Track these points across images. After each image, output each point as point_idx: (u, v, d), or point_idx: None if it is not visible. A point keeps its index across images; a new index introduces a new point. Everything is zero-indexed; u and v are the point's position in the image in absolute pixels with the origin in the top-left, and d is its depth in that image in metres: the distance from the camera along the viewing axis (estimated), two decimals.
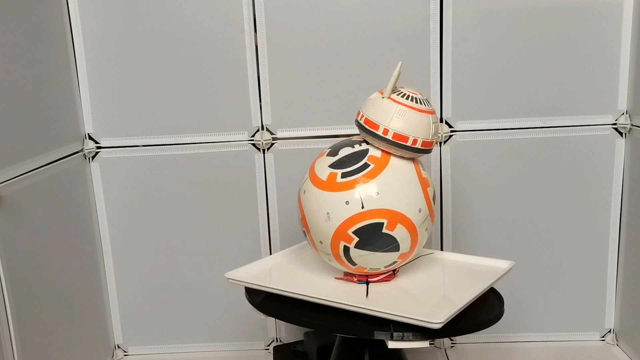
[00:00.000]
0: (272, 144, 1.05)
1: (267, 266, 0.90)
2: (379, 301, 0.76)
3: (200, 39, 1.02)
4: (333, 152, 0.79)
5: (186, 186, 1.07)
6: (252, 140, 1.05)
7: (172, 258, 1.10)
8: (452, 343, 1.11)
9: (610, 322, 1.10)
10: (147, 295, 1.12)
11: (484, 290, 0.76)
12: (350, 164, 0.77)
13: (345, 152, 0.78)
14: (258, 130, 1.05)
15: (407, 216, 0.75)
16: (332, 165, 0.78)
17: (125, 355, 1.15)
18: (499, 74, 1.01)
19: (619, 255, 1.07)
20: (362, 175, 0.75)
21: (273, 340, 1.14)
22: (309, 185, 0.79)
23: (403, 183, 0.76)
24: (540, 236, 1.07)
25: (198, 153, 1.06)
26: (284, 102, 1.03)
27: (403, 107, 0.76)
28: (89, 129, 1.06)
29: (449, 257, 0.89)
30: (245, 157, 1.06)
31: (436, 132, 0.78)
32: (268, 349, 1.13)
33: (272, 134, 1.05)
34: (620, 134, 1.02)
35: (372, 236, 0.75)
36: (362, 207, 0.74)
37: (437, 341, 1.11)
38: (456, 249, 1.08)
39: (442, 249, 1.08)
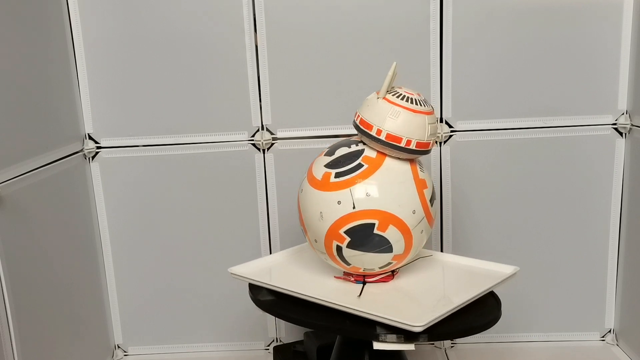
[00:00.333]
0: (272, 144, 1.05)
1: (271, 263, 0.90)
2: (370, 302, 0.76)
3: (200, 39, 1.02)
4: (330, 152, 0.80)
5: (186, 186, 1.07)
6: (252, 140, 1.05)
7: (172, 258, 1.10)
8: (452, 343, 1.11)
9: (610, 322, 1.10)
10: (147, 295, 1.12)
11: (480, 294, 0.75)
12: (345, 164, 0.77)
13: (341, 152, 0.79)
14: (258, 130, 1.05)
15: (400, 217, 0.75)
16: (328, 165, 0.78)
17: (125, 355, 1.15)
18: (499, 74, 1.01)
19: (619, 255, 1.07)
20: (355, 176, 0.76)
21: (273, 340, 1.14)
22: (305, 184, 0.80)
23: (396, 184, 0.75)
24: (540, 236, 1.07)
25: (198, 153, 1.06)
26: (284, 102, 1.04)
27: (397, 108, 0.75)
28: (89, 129, 1.06)
29: (451, 259, 0.88)
30: (245, 157, 1.06)
31: (433, 133, 0.77)
32: (268, 349, 1.13)
33: (272, 134, 1.05)
34: (620, 134, 1.02)
35: (364, 237, 0.75)
36: (354, 208, 0.75)
37: (438, 341, 1.12)
38: (456, 249, 1.08)
39: (442, 250, 1.08)
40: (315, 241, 0.79)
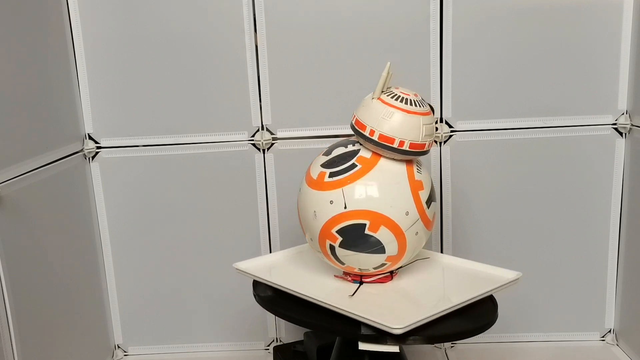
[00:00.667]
0: (272, 144, 1.05)
1: (276, 260, 0.91)
2: (361, 302, 0.76)
3: (200, 39, 1.02)
4: (328, 151, 0.81)
5: (186, 186, 1.07)
6: (252, 140, 1.05)
7: (172, 258, 1.10)
8: (452, 343, 1.11)
9: (610, 322, 1.10)
10: (147, 295, 1.12)
11: (477, 298, 0.74)
12: (339, 164, 0.77)
13: (337, 152, 0.79)
14: (258, 130, 1.05)
15: (392, 219, 0.74)
16: (324, 165, 0.79)
17: (125, 355, 1.15)
18: (499, 74, 1.01)
19: (619, 255, 1.07)
20: (348, 176, 0.76)
21: (273, 340, 1.14)
22: (303, 182, 0.81)
23: (389, 185, 0.75)
24: (540, 236, 1.07)
25: (198, 153, 1.06)
26: (284, 102, 1.03)
27: (391, 109, 0.75)
28: (89, 129, 1.06)
29: (453, 262, 0.87)
30: (245, 157, 1.06)
31: (429, 134, 0.76)
32: (268, 349, 1.13)
33: (272, 134, 1.05)
34: (620, 134, 1.02)
35: (355, 237, 0.75)
36: (345, 207, 0.75)
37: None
38: (456, 249, 1.08)
39: (442, 250, 1.08)
40: (311, 240, 0.80)
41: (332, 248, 0.77)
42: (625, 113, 1.02)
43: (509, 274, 0.80)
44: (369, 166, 0.76)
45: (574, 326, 1.10)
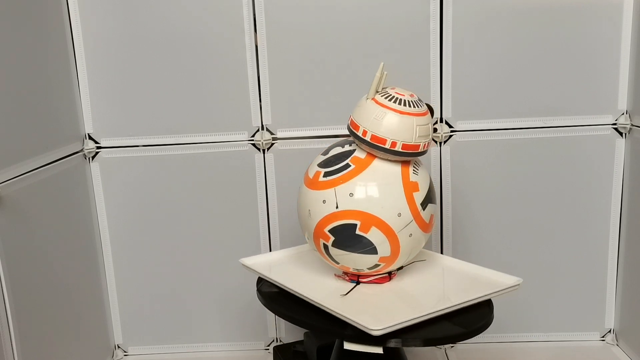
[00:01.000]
0: (272, 144, 1.05)
1: (281, 258, 0.92)
2: (353, 302, 0.76)
3: (200, 39, 1.02)
4: (326, 151, 0.81)
5: (186, 186, 1.07)
6: (252, 140, 1.05)
7: (172, 258, 1.10)
8: (451, 343, 1.11)
9: (610, 322, 1.10)
10: (147, 295, 1.12)
11: (471, 302, 0.74)
12: (334, 164, 0.78)
13: (334, 151, 0.80)
14: (258, 130, 1.05)
15: (383, 219, 0.74)
16: (320, 164, 0.79)
17: (125, 355, 1.15)
18: (499, 74, 1.01)
19: (619, 255, 1.07)
20: (341, 176, 0.76)
21: (273, 340, 1.14)
22: (302, 181, 0.81)
23: (381, 186, 0.75)
24: (540, 236, 1.07)
25: (198, 153, 1.06)
26: (284, 102, 1.03)
27: (383, 109, 0.75)
28: (89, 129, 1.06)
29: (454, 264, 0.86)
30: (245, 157, 1.06)
31: (424, 135, 0.75)
32: (268, 349, 1.13)
33: (272, 134, 1.05)
34: (620, 134, 1.02)
35: (347, 237, 0.75)
36: (337, 207, 0.75)
37: None
38: (456, 249, 1.08)
39: (442, 250, 1.08)
40: (308, 238, 0.81)
41: (325, 247, 0.78)
42: (625, 113, 1.02)
43: (508, 280, 0.79)
44: (362, 166, 0.76)
45: (574, 326, 1.10)
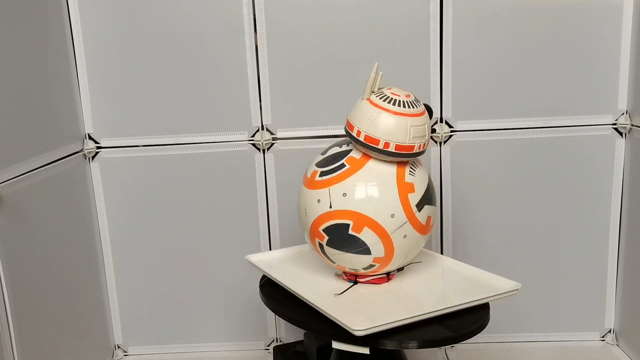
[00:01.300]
0: (272, 144, 1.05)
1: (287, 255, 0.92)
2: (346, 301, 0.76)
3: (200, 39, 1.02)
4: (325, 151, 0.81)
5: (186, 186, 1.07)
6: (252, 140, 1.05)
7: (172, 258, 1.10)
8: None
9: (610, 322, 1.10)
10: (147, 295, 1.12)
11: (467, 305, 0.73)
12: (330, 164, 0.78)
13: (331, 151, 0.80)
14: (258, 130, 1.05)
15: (375, 220, 0.74)
16: (317, 164, 0.80)
17: (125, 355, 1.15)
18: (499, 74, 1.01)
19: (619, 255, 1.07)
20: (335, 176, 0.76)
21: (273, 340, 1.14)
22: (301, 181, 0.82)
23: (374, 186, 0.75)
24: (540, 236, 1.07)
25: (198, 153, 1.06)
26: (284, 102, 1.03)
27: (377, 109, 0.75)
28: (89, 129, 1.06)
29: (454, 266, 0.86)
30: (245, 157, 1.06)
31: (419, 136, 0.75)
32: (268, 349, 1.13)
33: (272, 134, 1.05)
34: (620, 134, 1.02)
35: (340, 236, 0.76)
36: (330, 207, 0.75)
37: None
38: (456, 248, 1.08)
39: (442, 250, 1.08)
40: (306, 237, 0.81)
41: (321, 246, 0.79)
42: (625, 113, 1.02)
43: (507, 284, 0.77)
44: (357, 167, 0.76)
45: (574, 326, 1.10)
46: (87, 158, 1.06)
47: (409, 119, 0.74)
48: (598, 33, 0.99)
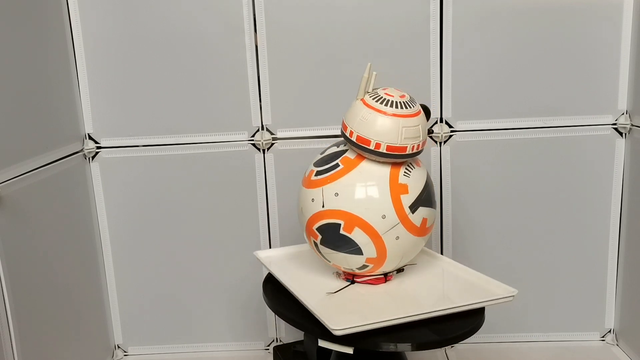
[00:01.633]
0: (272, 144, 1.05)
1: (293, 253, 0.93)
2: (337, 300, 0.76)
3: (200, 39, 1.02)
4: (323, 150, 0.82)
5: (186, 186, 1.07)
6: (252, 140, 1.05)
7: (172, 258, 1.10)
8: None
9: (610, 322, 1.10)
10: (147, 295, 1.12)
11: (460, 309, 0.73)
12: (326, 163, 0.78)
13: (329, 151, 0.80)
14: (258, 130, 1.05)
15: (366, 221, 0.74)
16: (315, 163, 0.80)
17: (125, 355, 1.15)
18: (499, 74, 1.01)
19: (619, 255, 1.07)
20: (329, 175, 0.76)
21: (273, 340, 1.14)
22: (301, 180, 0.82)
23: (366, 187, 0.75)
24: (540, 236, 1.07)
25: (198, 153, 1.06)
26: (284, 102, 1.03)
27: (369, 110, 0.75)
28: (89, 129, 1.06)
29: (453, 268, 0.85)
30: (245, 157, 1.06)
31: (411, 137, 0.74)
32: (268, 349, 1.13)
33: (272, 134, 1.05)
34: (620, 134, 1.02)
35: (332, 236, 0.76)
36: (323, 206, 0.76)
37: None
38: (456, 248, 1.08)
39: (442, 250, 1.08)
40: (304, 236, 0.82)
41: (316, 245, 0.79)
42: (625, 113, 1.02)
43: (504, 290, 0.76)
44: (350, 167, 0.76)
45: (574, 326, 1.10)
46: (87, 158, 1.06)
47: (400, 119, 0.74)
48: (598, 33, 0.99)
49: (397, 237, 0.75)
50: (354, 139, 0.75)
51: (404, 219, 0.75)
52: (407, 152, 0.75)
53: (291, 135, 1.05)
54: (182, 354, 1.14)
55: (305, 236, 0.81)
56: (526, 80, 1.01)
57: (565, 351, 1.08)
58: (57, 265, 0.94)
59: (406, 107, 0.75)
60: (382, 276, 0.81)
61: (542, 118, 1.02)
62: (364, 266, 0.78)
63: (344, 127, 0.77)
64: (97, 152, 1.06)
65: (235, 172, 1.06)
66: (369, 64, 0.76)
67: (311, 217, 0.78)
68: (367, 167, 0.76)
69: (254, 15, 1.01)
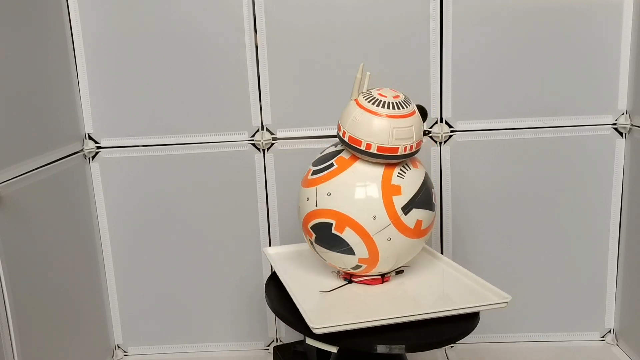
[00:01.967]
0: (272, 144, 1.05)
1: (302, 250, 0.94)
2: (330, 299, 0.77)
3: (200, 39, 1.02)
4: (323, 150, 0.83)
5: (186, 186, 1.07)
6: (252, 140, 1.05)
7: (172, 258, 1.10)
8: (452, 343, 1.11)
9: (610, 322, 1.10)
10: (147, 295, 1.12)
11: (452, 313, 0.72)
12: (322, 163, 0.79)
13: (327, 151, 0.81)
14: (258, 130, 1.05)
15: (357, 221, 0.74)
16: (313, 162, 0.81)
17: (125, 355, 1.15)
18: (499, 74, 1.01)
19: (619, 255, 1.07)
20: (323, 175, 0.77)
21: (273, 340, 1.14)
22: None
23: (357, 187, 0.75)
24: (540, 236, 1.07)
25: (198, 153, 1.06)
26: (284, 102, 1.03)
27: (361, 110, 0.75)
28: (89, 129, 1.06)
29: (452, 270, 0.85)
30: (245, 157, 1.06)
31: (403, 138, 0.74)
32: (268, 349, 1.13)
33: (272, 134, 1.05)
34: (620, 134, 1.02)
35: (325, 235, 0.77)
36: (316, 205, 0.76)
37: None
38: (455, 248, 1.08)
39: (442, 249, 1.08)
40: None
41: (312, 243, 0.80)
42: (625, 113, 1.02)
43: (497, 297, 0.75)
44: (344, 167, 0.76)
45: (574, 326, 1.10)
46: (87, 158, 1.06)
47: (390, 120, 0.73)
48: (598, 33, 0.99)
49: (389, 239, 0.75)
50: (346, 139, 0.76)
51: (395, 221, 0.75)
52: (398, 153, 0.74)
53: (291, 135, 1.05)
54: (182, 354, 1.14)
55: (303, 235, 0.82)
56: (526, 80, 1.01)
57: (565, 351, 1.08)
58: (57, 265, 0.94)
59: (399, 108, 0.74)
60: (379, 277, 0.81)
61: (542, 118, 1.02)
62: (358, 266, 0.78)
63: (339, 127, 0.78)
64: (97, 152, 1.06)
65: (235, 172, 1.06)
66: (361, 64, 0.77)
67: (306, 215, 0.78)
68: (360, 168, 0.76)
69: (254, 15, 1.01)
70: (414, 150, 0.75)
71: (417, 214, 0.76)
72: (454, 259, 1.00)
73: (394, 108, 0.74)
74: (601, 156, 1.03)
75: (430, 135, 1.03)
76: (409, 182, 0.76)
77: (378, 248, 0.75)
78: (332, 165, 0.77)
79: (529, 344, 1.11)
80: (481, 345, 1.11)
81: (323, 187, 0.76)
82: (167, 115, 1.05)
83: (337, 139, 0.86)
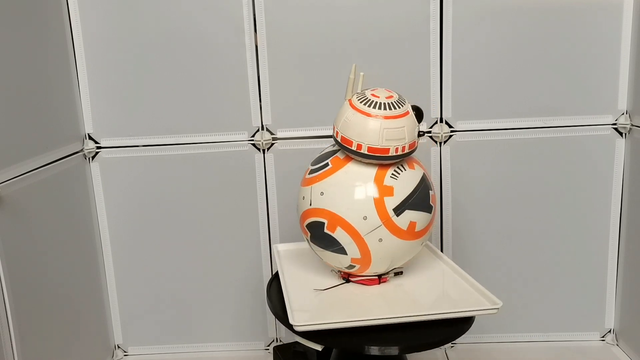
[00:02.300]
0: (272, 144, 1.05)
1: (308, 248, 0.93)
2: (324, 298, 0.77)
3: (200, 39, 1.02)
4: (323, 150, 0.83)
5: (186, 186, 1.07)
6: (252, 140, 1.05)
7: (172, 258, 1.10)
8: (452, 343, 1.11)
9: (610, 322, 1.10)
10: (147, 295, 1.12)
11: (443, 316, 0.72)
12: (319, 162, 0.79)
13: (325, 150, 0.81)
14: (258, 130, 1.05)
15: (347, 221, 0.74)
16: (311, 162, 0.81)
17: (125, 355, 1.15)
18: (499, 74, 1.01)
19: (619, 255, 1.06)
20: (318, 174, 0.77)
21: (273, 340, 1.14)
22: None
23: (349, 188, 0.74)
24: (540, 236, 1.07)
25: (198, 153, 1.06)
26: (284, 102, 1.03)
27: (352, 111, 0.75)
28: (89, 129, 1.06)
29: (449, 270, 0.84)
30: (245, 157, 1.06)
31: (393, 138, 0.73)
32: (268, 349, 1.13)
33: (272, 134, 1.05)
34: (620, 134, 1.02)
35: (318, 234, 0.77)
36: (310, 204, 0.77)
37: None
38: (455, 248, 1.08)
39: (442, 248, 1.08)
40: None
41: (308, 242, 0.81)
42: (625, 113, 1.02)
43: (489, 302, 0.74)
44: (338, 167, 0.77)
45: (574, 326, 1.10)
46: (87, 158, 1.06)
47: (380, 121, 0.73)
48: (598, 33, 0.99)
49: (380, 240, 0.74)
50: (339, 139, 0.76)
51: (386, 222, 0.74)
52: (390, 154, 0.73)
53: (291, 135, 1.05)
54: (182, 354, 1.14)
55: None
56: (526, 80, 1.01)
57: (565, 351, 1.08)
58: (57, 265, 0.94)
59: (390, 109, 0.73)
60: (376, 277, 0.80)
61: (542, 118, 1.02)
62: (351, 266, 0.78)
63: (333, 127, 0.78)
64: (97, 152, 1.06)
65: (235, 172, 1.06)
66: (354, 65, 0.77)
67: (302, 214, 0.79)
68: (353, 168, 0.76)
69: (254, 15, 1.01)
70: (406, 151, 0.74)
71: (410, 215, 0.75)
72: (453, 259, 1.00)
73: (385, 109, 0.73)
74: (601, 156, 1.03)
75: (430, 135, 1.03)
76: (402, 183, 0.75)
77: (370, 249, 0.75)
78: (327, 165, 0.77)
79: (529, 344, 1.11)
80: (481, 345, 1.11)
81: (317, 187, 0.77)
82: (167, 115, 1.05)
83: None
